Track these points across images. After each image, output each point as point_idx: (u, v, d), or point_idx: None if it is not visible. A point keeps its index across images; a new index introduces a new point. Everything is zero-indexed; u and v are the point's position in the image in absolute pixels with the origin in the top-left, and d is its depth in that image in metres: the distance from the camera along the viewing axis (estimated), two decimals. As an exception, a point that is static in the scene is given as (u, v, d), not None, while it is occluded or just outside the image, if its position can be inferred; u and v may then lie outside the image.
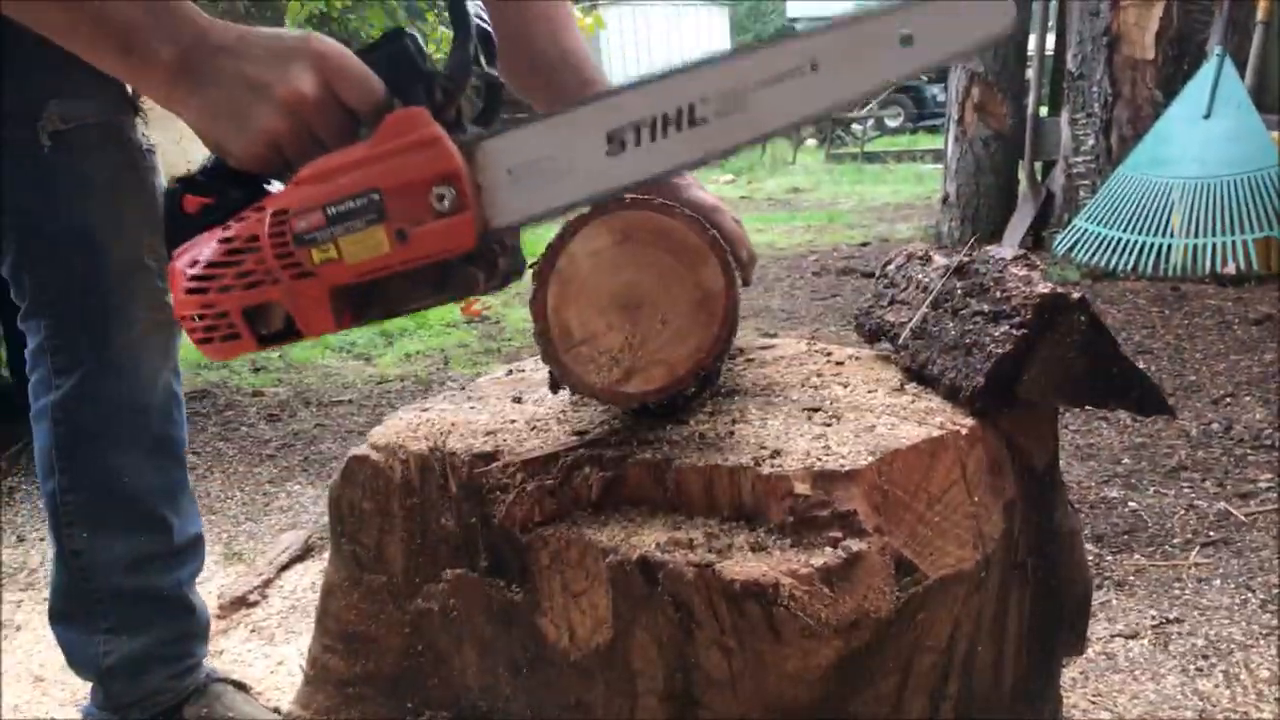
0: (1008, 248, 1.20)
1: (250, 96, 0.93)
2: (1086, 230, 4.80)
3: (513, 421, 1.16)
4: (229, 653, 1.98)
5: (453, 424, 1.17)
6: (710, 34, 20.54)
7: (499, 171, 0.95)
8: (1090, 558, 2.11)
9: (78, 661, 1.55)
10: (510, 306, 5.16)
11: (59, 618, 1.54)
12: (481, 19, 0.99)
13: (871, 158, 13.58)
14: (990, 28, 0.93)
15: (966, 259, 1.22)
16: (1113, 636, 1.88)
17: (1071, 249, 4.82)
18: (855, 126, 15.58)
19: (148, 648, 1.52)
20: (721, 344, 0.99)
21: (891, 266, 1.39)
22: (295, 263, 0.94)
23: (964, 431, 1.03)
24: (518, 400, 1.24)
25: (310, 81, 0.93)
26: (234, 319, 0.97)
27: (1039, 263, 1.15)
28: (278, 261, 0.94)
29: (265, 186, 0.99)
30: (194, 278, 0.97)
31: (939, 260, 1.31)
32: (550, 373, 1.07)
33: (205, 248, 0.97)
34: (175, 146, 1.45)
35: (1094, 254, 4.73)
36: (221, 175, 0.99)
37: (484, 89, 1.02)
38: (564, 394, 1.15)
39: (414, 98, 0.95)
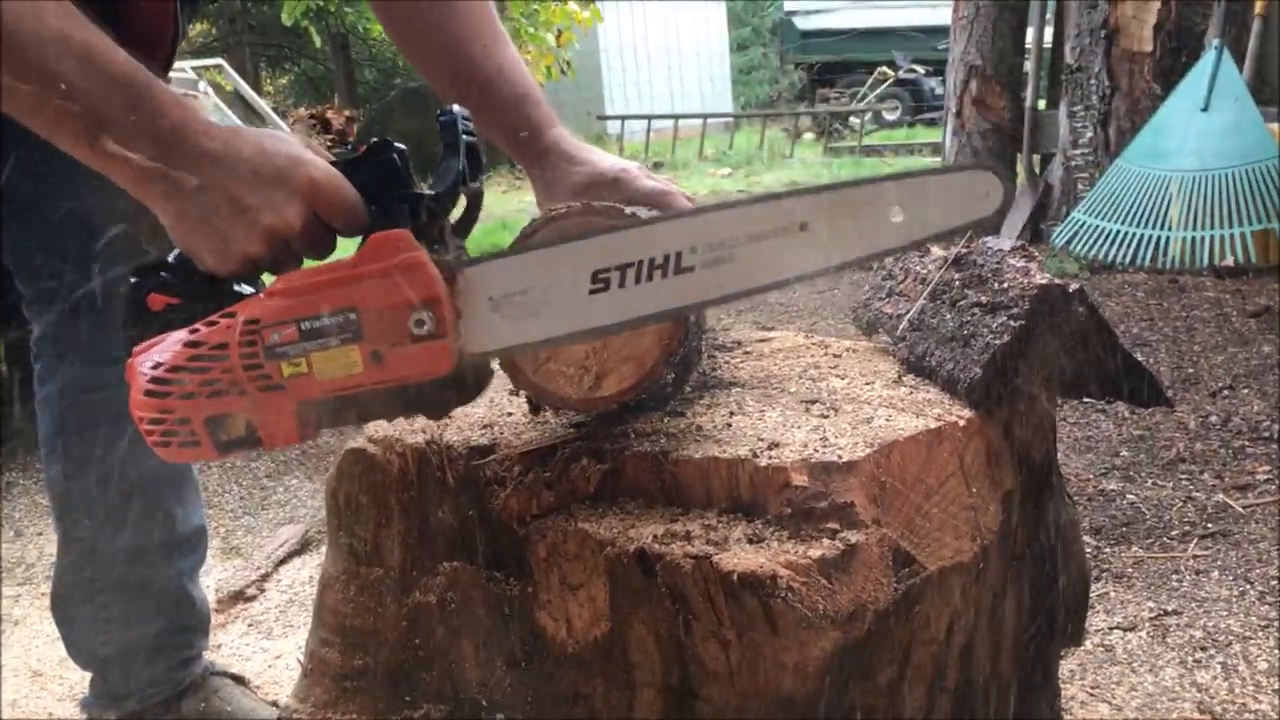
0: (1006, 240, 1.20)
1: (233, 217, 0.90)
2: (1085, 223, 4.80)
3: (509, 414, 1.16)
4: (227, 646, 1.98)
5: (450, 417, 1.16)
6: (707, 27, 20.50)
7: (480, 299, 0.94)
8: (1088, 550, 2.11)
9: (77, 651, 1.55)
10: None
11: (60, 606, 1.54)
12: (469, 134, 0.98)
13: (870, 151, 13.57)
14: (980, 210, 0.94)
15: (964, 251, 1.21)
16: (1111, 628, 1.88)
17: (1070, 241, 4.83)
18: (853, 120, 15.59)
19: (147, 639, 1.52)
20: (683, 326, 0.98)
21: (889, 258, 1.39)
22: (264, 375, 0.92)
23: (962, 423, 1.03)
24: (514, 393, 1.24)
25: (296, 210, 0.91)
26: (195, 426, 0.94)
27: (1037, 254, 1.15)
28: (246, 373, 0.92)
29: (235, 288, 0.96)
30: (155, 380, 0.94)
31: (937, 252, 1.30)
32: (526, 397, 1.06)
33: (168, 350, 0.94)
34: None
35: (1092, 246, 4.73)
36: (189, 271, 0.96)
37: (466, 199, 1.00)
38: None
39: (398, 215, 0.93)
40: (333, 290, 0.91)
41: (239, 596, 2.15)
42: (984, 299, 1.11)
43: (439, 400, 0.97)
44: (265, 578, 2.25)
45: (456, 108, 0.98)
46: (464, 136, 0.97)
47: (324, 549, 2.14)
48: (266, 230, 0.90)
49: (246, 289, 0.96)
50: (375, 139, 0.96)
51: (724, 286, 0.95)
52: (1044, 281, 1.06)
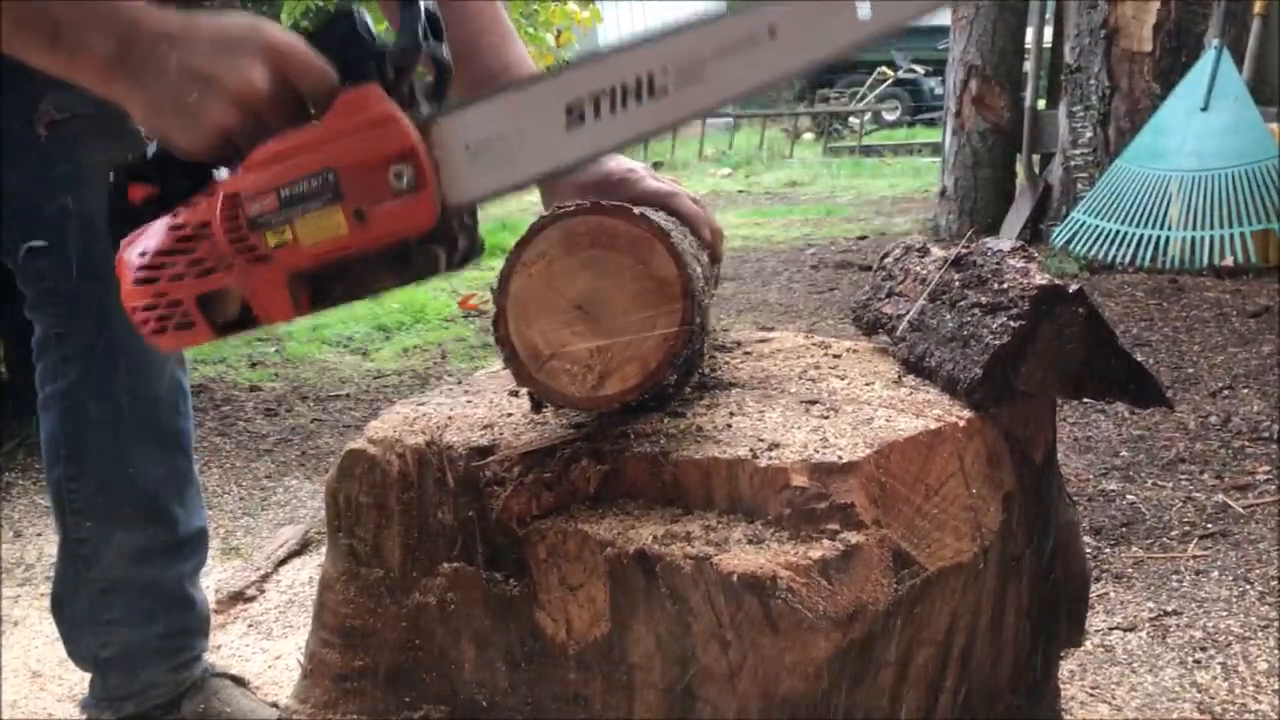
0: (1005, 240, 1.20)
1: (199, 90, 0.89)
2: (1084, 223, 4.81)
3: (509, 415, 1.16)
4: (226, 647, 1.98)
5: (449, 418, 1.16)
6: (707, 27, 20.50)
7: (457, 148, 0.93)
8: (1088, 550, 2.11)
9: (77, 652, 1.55)
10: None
11: (60, 607, 1.54)
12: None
13: (869, 151, 13.57)
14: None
15: (964, 251, 1.21)
16: (1111, 629, 1.88)
17: (1069, 241, 4.83)
18: (853, 120, 15.59)
19: (148, 640, 1.52)
20: (687, 327, 0.98)
21: (889, 259, 1.39)
22: (250, 247, 0.92)
23: (962, 424, 1.03)
24: (515, 394, 1.24)
25: (260, 73, 0.90)
26: (188, 307, 0.94)
27: (1036, 255, 1.15)
28: (231, 246, 0.92)
29: (214, 173, 0.95)
30: (144, 268, 0.94)
31: (936, 253, 1.31)
32: (529, 394, 1.06)
33: (154, 237, 0.94)
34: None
35: (1092, 246, 4.73)
36: (167, 163, 0.96)
37: (433, 66, 0.99)
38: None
39: (365, 76, 0.92)
40: (308, 153, 0.91)
41: (239, 597, 2.15)
42: (984, 299, 1.10)
43: (428, 258, 0.96)
44: (265, 578, 2.25)
45: None
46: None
47: (324, 550, 2.14)
48: (234, 96, 0.89)
49: (224, 172, 0.95)
50: (337, 11, 0.96)
51: (698, 103, 0.94)
52: (1044, 282, 1.06)
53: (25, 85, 1.30)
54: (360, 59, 0.93)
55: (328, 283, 0.96)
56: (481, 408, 1.19)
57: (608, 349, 0.98)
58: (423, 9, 0.95)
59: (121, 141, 1.40)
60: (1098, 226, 4.74)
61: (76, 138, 1.34)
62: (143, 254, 0.94)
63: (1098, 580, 2.05)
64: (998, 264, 1.14)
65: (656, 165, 12.98)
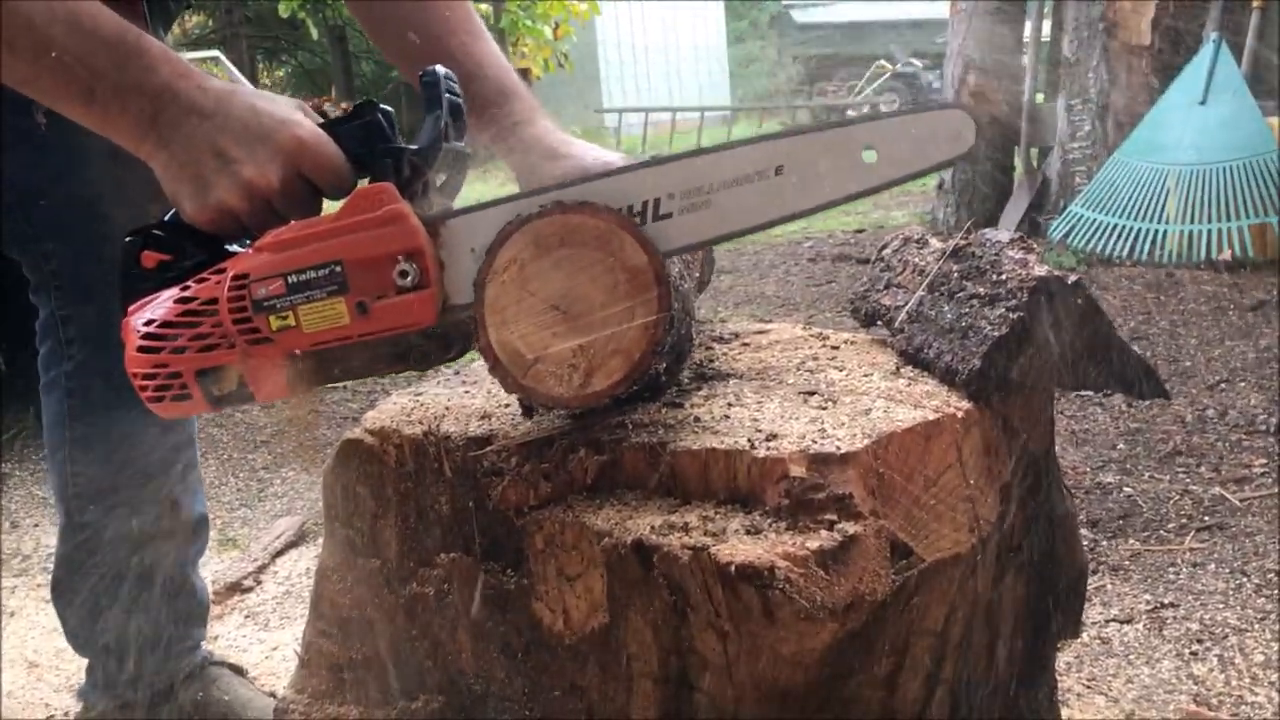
0: (1004, 231, 1.20)
1: (215, 165, 0.93)
2: (1082, 216, 4.81)
3: (506, 406, 1.15)
4: (224, 638, 1.98)
5: (447, 408, 1.16)
6: (705, 21, 20.50)
7: (462, 250, 0.96)
8: (1085, 542, 2.11)
9: (77, 638, 1.55)
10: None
11: (61, 592, 1.54)
12: (453, 92, 0.99)
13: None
14: (952, 150, 0.98)
15: (963, 242, 1.21)
16: (1108, 621, 1.89)
17: (1067, 235, 4.83)
18: (851, 113, 15.58)
19: (148, 627, 1.52)
20: (666, 313, 0.98)
21: (888, 250, 1.39)
22: (253, 328, 0.94)
23: (960, 415, 1.03)
24: (512, 384, 1.24)
25: (279, 169, 0.93)
26: (187, 380, 0.96)
27: (1035, 246, 1.15)
28: (235, 326, 0.94)
29: (226, 247, 0.98)
30: (148, 336, 0.96)
31: (935, 244, 1.30)
32: (519, 400, 1.06)
33: (161, 306, 0.96)
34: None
35: (1090, 240, 4.73)
36: (182, 232, 0.98)
37: (451, 159, 1.02)
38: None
39: (382, 171, 0.95)
40: (318, 243, 0.93)
41: (236, 588, 2.15)
42: (982, 290, 1.10)
43: (424, 353, 0.99)
44: (262, 569, 2.25)
45: (440, 68, 0.99)
46: (446, 95, 0.99)
47: (321, 541, 2.14)
48: (246, 184, 0.92)
49: (237, 248, 0.98)
50: (361, 100, 0.99)
51: (702, 231, 0.97)
52: (1043, 273, 1.06)
53: None
54: (378, 155, 0.96)
55: (325, 366, 0.98)
56: (479, 398, 1.19)
57: (590, 346, 0.97)
58: (446, 106, 0.98)
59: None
60: (1096, 220, 4.75)
61: (76, 125, 1.34)
62: (149, 322, 0.96)
63: (1095, 572, 2.05)
64: (996, 255, 1.13)
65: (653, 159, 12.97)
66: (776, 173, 0.96)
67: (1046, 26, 5.78)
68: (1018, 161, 5.73)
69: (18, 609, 2.15)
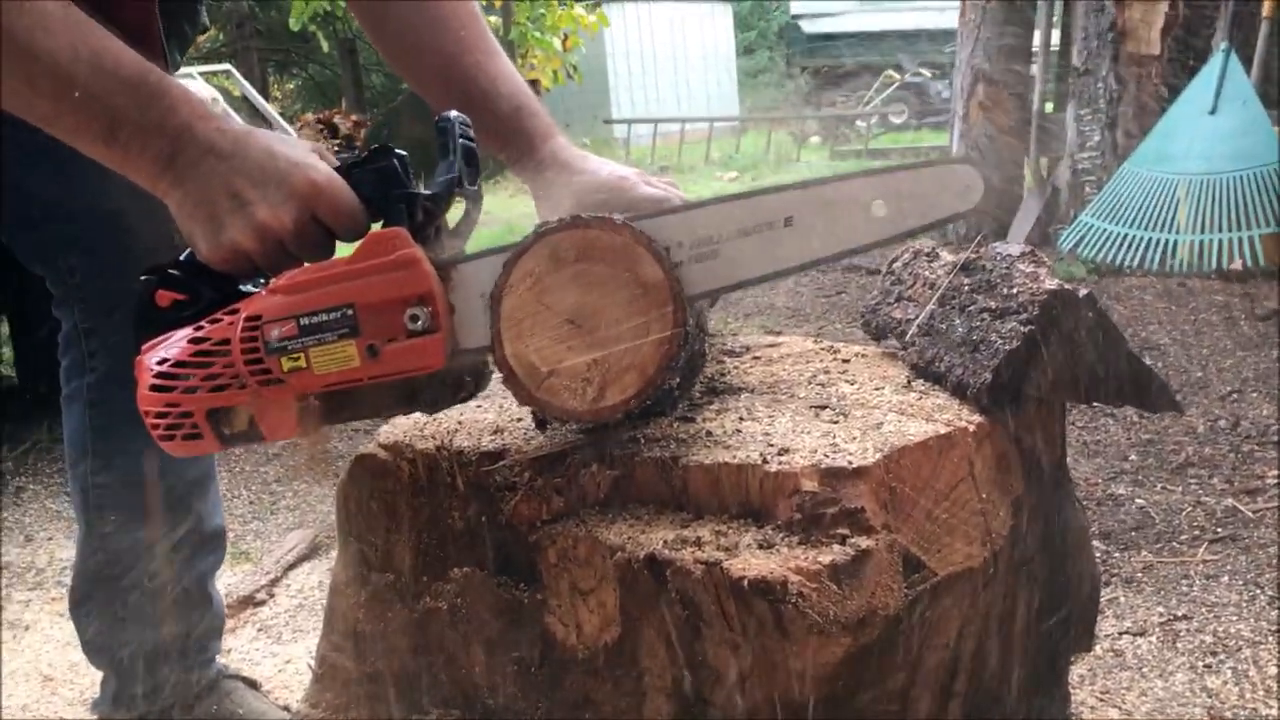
0: (1015, 245, 1.20)
1: (230, 206, 0.94)
2: (1092, 226, 4.80)
3: (519, 420, 1.16)
4: (237, 651, 1.99)
5: (459, 423, 1.17)
6: (714, 29, 20.52)
7: (473, 296, 0.97)
8: (1098, 555, 2.11)
9: (94, 649, 1.55)
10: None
11: (79, 603, 1.54)
12: (467, 137, 1.01)
13: (876, 154, 13.56)
14: (960, 204, 1.01)
15: (973, 256, 1.21)
16: (1120, 634, 1.88)
17: (1077, 245, 4.82)
18: (859, 123, 15.57)
19: (166, 639, 1.52)
20: (681, 329, 0.99)
21: (898, 264, 1.39)
22: (265, 370, 0.95)
23: (972, 428, 1.03)
24: (524, 399, 1.24)
25: (294, 212, 0.94)
26: (198, 420, 0.98)
27: (1046, 259, 1.15)
28: (247, 368, 0.96)
29: (240, 288, 0.99)
30: (160, 375, 0.97)
31: (946, 257, 1.31)
32: (532, 413, 1.07)
33: (174, 346, 0.97)
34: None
35: (1100, 250, 4.73)
36: (196, 271, 0.99)
37: (465, 202, 1.03)
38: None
39: (396, 215, 0.96)
40: (331, 286, 0.94)
41: (248, 601, 2.15)
42: (993, 304, 1.11)
43: (434, 396, 1.00)
44: (275, 583, 2.26)
45: (454, 113, 1.01)
46: (460, 140, 1.00)
47: (333, 554, 2.14)
48: (259, 226, 0.94)
49: (251, 288, 0.99)
50: (376, 145, 1.00)
51: (711, 281, 0.99)
52: (1054, 287, 1.06)
53: None
54: (392, 200, 0.97)
55: (334, 407, 0.99)
56: (491, 413, 1.20)
57: (604, 360, 0.98)
58: (460, 151, 0.99)
59: None
60: (1106, 230, 4.74)
61: None
62: (162, 361, 0.97)
63: (1107, 585, 2.04)
64: (1007, 269, 1.14)
65: (663, 170, 13.00)
66: (786, 224, 0.98)
67: (1055, 36, 5.78)
68: (1027, 171, 5.72)
69: (32, 623, 2.15)
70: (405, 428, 1.16)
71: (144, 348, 0.99)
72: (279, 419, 0.98)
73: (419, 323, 0.94)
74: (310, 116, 15.61)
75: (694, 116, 15.30)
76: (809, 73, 21.47)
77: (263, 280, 0.97)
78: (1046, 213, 5.44)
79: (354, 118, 15.26)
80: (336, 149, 14.29)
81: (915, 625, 0.96)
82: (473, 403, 1.25)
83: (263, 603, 2.18)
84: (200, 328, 0.97)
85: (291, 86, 21.09)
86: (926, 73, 17.02)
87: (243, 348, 0.95)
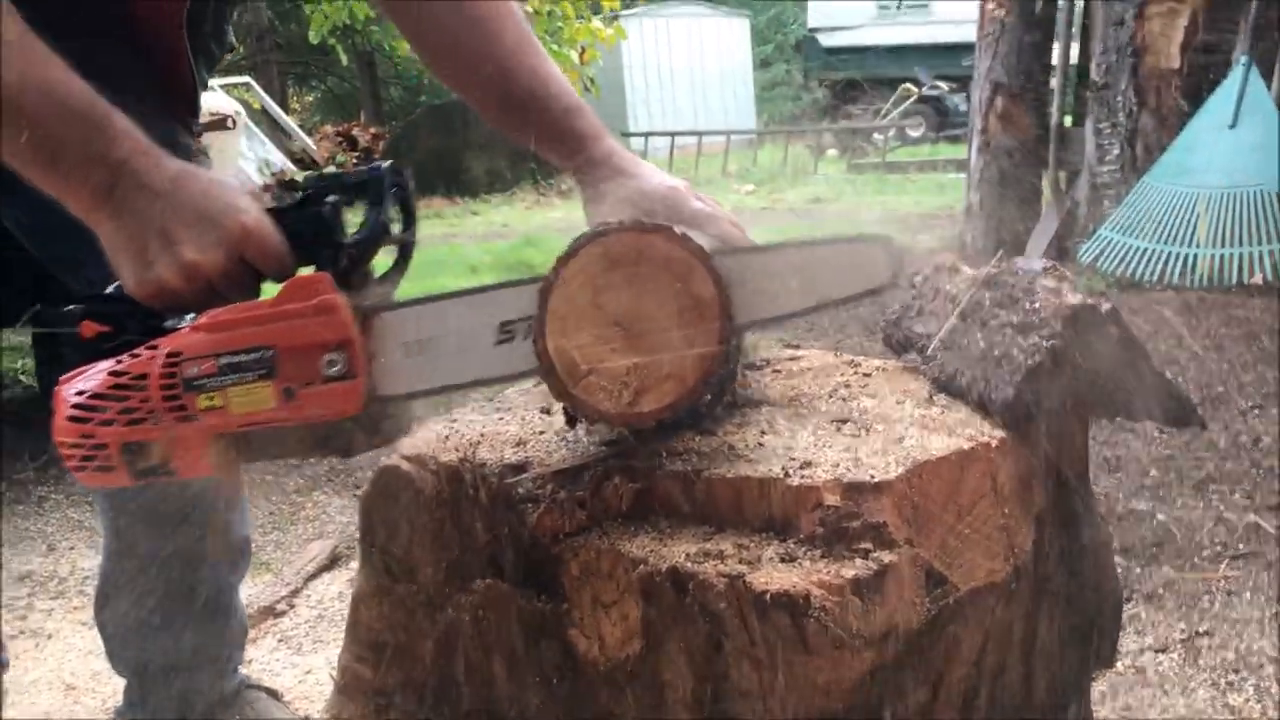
0: (1036, 260, 1.20)
1: (160, 244, 0.96)
2: (1112, 240, 4.79)
3: (541, 432, 1.16)
4: (258, 662, 2.00)
5: (482, 434, 1.17)
6: (731, 42, 20.57)
7: (393, 344, 0.98)
8: (1119, 570, 2.10)
9: (119, 659, 1.57)
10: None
11: (104, 611, 1.55)
12: (401, 185, 1.02)
13: (894, 168, 13.55)
14: (868, 282, 1.04)
15: (995, 270, 1.21)
16: (1142, 650, 1.87)
17: (1097, 258, 4.81)
18: (876, 137, 15.57)
19: (189, 648, 1.53)
20: (724, 347, 0.99)
21: (919, 278, 1.39)
22: (180, 406, 0.96)
23: (994, 443, 1.03)
24: (546, 411, 1.25)
25: (222, 255, 0.96)
26: (112, 452, 0.98)
27: (1068, 274, 1.15)
28: (164, 404, 0.96)
29: (165, 324, 1.00)
30: (77, 407, 0.98)
31: (967, 271, 1.30)
32: (564, 409, 1.07)
33: (93, 379, 0.98)
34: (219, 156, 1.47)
35: (1120, 264, 4.71)
36: (122, 304, 1.00)
37: (397, 249, 1.05)
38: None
39: (321, 261, 0.98)
40: (251, 328, 0.95)
41: (269, 611, 2.16)
42: (1015, 319, 1.10)
43: (349, 441, 1.01)
44: (295, 593, 2.27)
45: (386, 162, 1.02)
46: (391, 190, 1.01)
47: (353, 565, 2.14)
48: (187, 265, 0.95)
49: (176, 324, 1.00)
50: (311, 189, 1.02)
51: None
52: (1076, 302, 1.06)
53: None
54: (319, 245, 0.99)
55: (249, 447, 1.00)
56: (513, 424, 1.20)
57: (644, 366, 0.98)
58: (388, 201, 1.01)
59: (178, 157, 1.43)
60: (1125, 244, 4.73)
61: None
62: (80, 393, 0.98)
63: (1128, 601, 2.03)
64: (1029, 283, 1.14)
65: (681, 182, 13.01)
66: None
67: (1074, 49, 5.78)
68: (1046, 185, 5.71)
69: (55, 631, 2.17)
70: (428, 439, 1.17)
71: (64, 378, 1.00)
72: (193, 456, 0.98)
73: (336, 368, 0.95)
74: (329, 129, 15.73)
75: (711, 130, 15.32)
76: (826, 86, 21.50)
77: (189, 316, 0.98)
78: (1065, 227, 5.42)
79: (372, 130, 15.38)
80: (356, 160, 14.40)
81: (937, 641, 0.96)
82: (494, 414, 1.26)
83: (283, 613, 2.19)
84: (121, 361, 0.97)
85: (310, 99, 21.25)
86: (944, 86, 17.02)
87: (161, 383, 0.96)
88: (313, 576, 2.34)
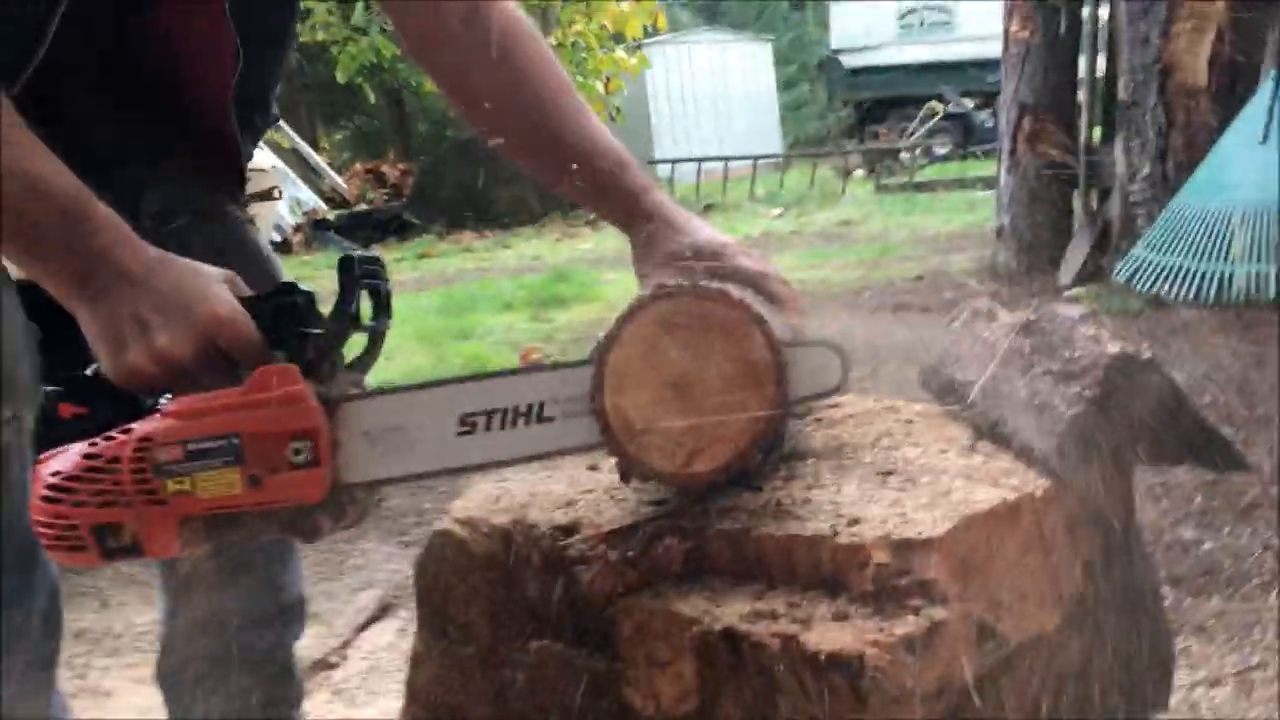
0: (1074, 306, 1.21)
1: (134, 331, 0.99)
2: (1146, 259, 4.77)
3: (589, 491, 1.18)
4: (313, 715, 2.01)
5: (531, 495, 1.19)
6: (755, 67, 20.63)
7: (356, 432, 1.01)
8: (1167, 602, 2.08)
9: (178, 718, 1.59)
10: (568, 354, 5.20)
11: (165, 675, 1.58)
12: (374, 277, 1.05)
13: (921, 187, 13.52)
14: (818, 385, 1.07)
15: (1032, 317, 1.22)
16: (1194, 685, 1.86)
17: (1132, 278, 4.79)
18: (903, 156, 15.55)
19: (250, 710, 1.55)
20: (779, 412, 1.01)
21: (956, 323, 1.40)
22: (150, 490, 0.98)
23: (1039, 493, 1.04)
24: (593, 468, 1.27)
25: (193, 343, 0.99)
26: (83, 533, 1.00)
27: (1108, 323, 1.16)
28: (134, 487, 0.99)
29: (141, 406, 1.03)
30: (51, 487, 1.00)
31: (1005, 317, 1.31)
32: (617, 463, 1.09)
33: (68, 460, 1.01)
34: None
35: (1155, 283, 4.69)
36: (99, 387, 1.03)
37: (368, 336, 1.08)
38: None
39: (291, 350, 1.01)
40: (220, 415, 0.98)
41: (321, 664, 2.19)
42: (1055, 367, 1.11)
43: (313, 525, 1.03)
44: (346, 645, 2.29)
45: (358, 252, 1.06)
46: (364, 280, 1.05)
47: (402, 614, 2.17)
48: (159, 351, 0.98)
49: (153, 405, 1.02)
50: (285, 282, 1.06)
51: (583, 437, 1.03)
52: (1116, 351, 1.07)
53: (123, 189, 1.37)
54: (288, 336, 1.02)
55: (216, 530, 1.03)
56: (561, 484, 1.22)
57: (699, 428, 1.00)
58: (358, 294, 1.04)
59: (225, 225, 1.47)
60: (1160, 262, 4.70)
61: (183, 228, 1.40)
62: (55, 474, 1.00)
63: (1178, 633, 2.02)
64: (1068, 331, 1.15)
65: (708, 208, 13.04)
66: None
67: (1101, 67, 5.76)
68: (1077, 205, 5.69)
69: (112, 689, 2.20)
70: (479, 502, 1.19)
71: (42, 456, 1.02)
72: (161, 537, 1.01)
73: (301, 456, 0.98)
74: (359, 166, 15.90)
75: (738, 155, 15.35)
76: (851, 106, 21.51)
77: (165, 398, 1.01)
78: (1098, 246, 5.40)
79: (401, 166, 15.54)
80: (386, 197, 14.46)
81: (990, 693, 0.97)
82: (542, 473, 1.28)
83: (335, 665, 2.21)
84: (95, 444, 1.00)
85: (339, 137, 21.48)
86: (969, 103, 16.99)
87: (131, 467, 0.98)
88: (363, 627, 2.37)
